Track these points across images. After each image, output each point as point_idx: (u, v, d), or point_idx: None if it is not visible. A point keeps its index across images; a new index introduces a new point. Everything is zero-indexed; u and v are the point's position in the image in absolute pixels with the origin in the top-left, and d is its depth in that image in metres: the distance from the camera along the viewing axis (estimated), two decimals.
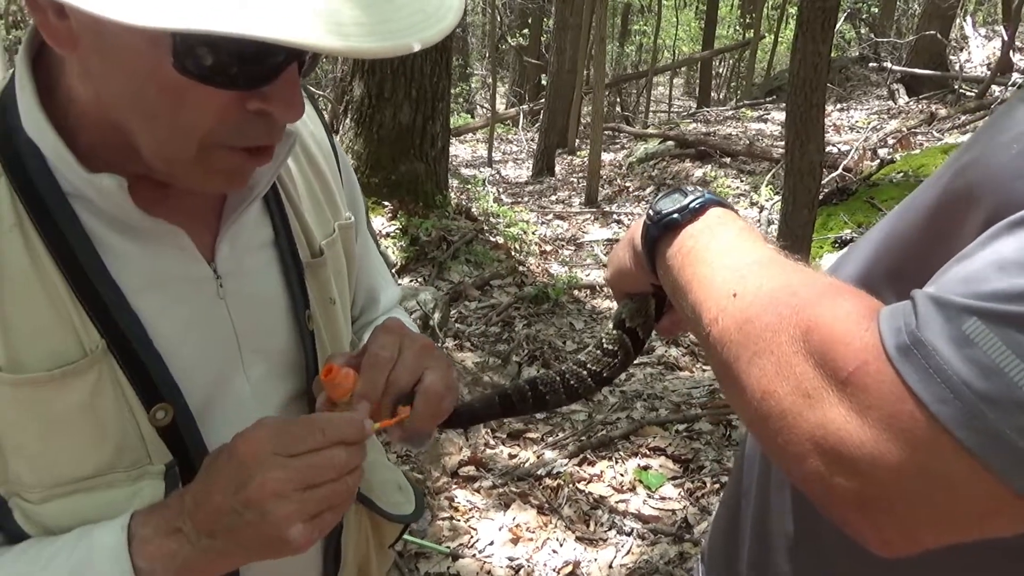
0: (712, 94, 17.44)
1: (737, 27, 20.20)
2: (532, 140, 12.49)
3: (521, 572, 2.87)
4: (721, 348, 0.68)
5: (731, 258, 0.75)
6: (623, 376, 4.38)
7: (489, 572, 2.85)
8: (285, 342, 0.96)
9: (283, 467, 0.75)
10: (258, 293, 0.93)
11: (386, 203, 5.80)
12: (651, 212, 0.85)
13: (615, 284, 1.01)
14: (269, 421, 0.79)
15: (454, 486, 3.32)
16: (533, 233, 6.91)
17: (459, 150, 12.32)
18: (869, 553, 0.59)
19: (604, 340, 1.00)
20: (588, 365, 0.99)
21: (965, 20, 13.43)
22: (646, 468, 3.48)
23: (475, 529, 3.06)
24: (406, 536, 2.92)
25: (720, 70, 20.03)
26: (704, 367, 4.50)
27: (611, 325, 1.00)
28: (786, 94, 4.01)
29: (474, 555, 2.92)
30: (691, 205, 0.83)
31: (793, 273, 0.69)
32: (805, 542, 0.88)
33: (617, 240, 7.02)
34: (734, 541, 1.02)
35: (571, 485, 3.35)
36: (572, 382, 0.99)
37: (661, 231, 0.84)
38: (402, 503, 1.17)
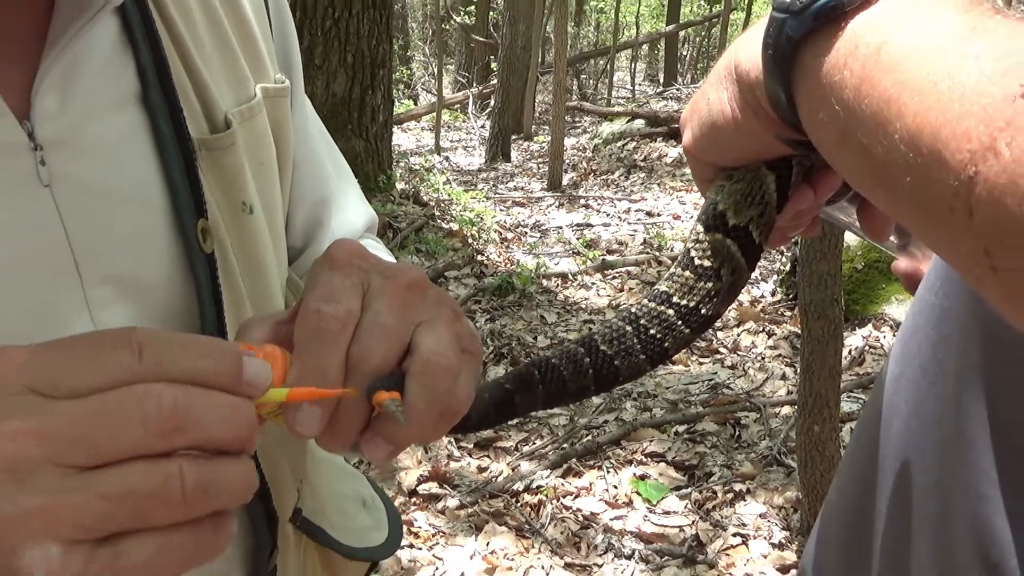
0: (677, 78, 17.51)
1: (702, 2, 20.38)
2: (483, 127, 12.39)
3: None
4: (1017, 201, 0.38)
5: (983, 43, 0.44)
6: None
7: None
8: (163, 270, 0.65)
9: (41, 414, 0.43)
10: (111, 183, 0.63)
11: None
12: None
13: (702, 152, 0.67)
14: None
15: (412, 507, 3.05)
16: (492, 219, 6.69)
17: (402, 139, 12.18)
18: None
19: (694, 253, 0.67)
20: (674, 299, 0.67)
21: None
22: (643, 478, 3.25)
23: (440, 559, 2.78)
24: None
25: (684, 51, 20.17)
26: (702, 358, 4.27)
27: (700, 228, 0.68)
28: None
29: None
30: None
31: None
32: None
33: (588, 225, 7.01)
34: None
35: (555, 501, 3.11)
36: (653, 331, 0.67)
37: (811, 24, 0.52)
38: (368, 529, 0.89)
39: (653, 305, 0.67)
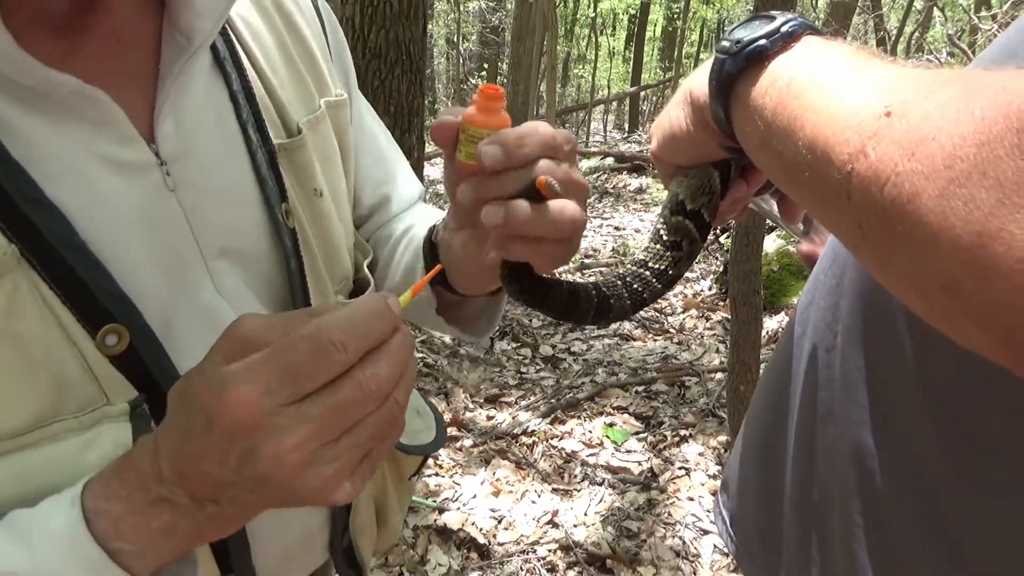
0: (639, 127, 17.37)
1: (658, 70, 20.25)
2: None
3: (503, 522, 2.55)
4: (880, 187, 0.38)
5: (862, 77, 0.44)
6: (584, 346, 4.08)
7: (473, 523, 2.52)
8: (260, 244, 0.64)
9: (299, 424, 0.42)
10: (219, 183, 0.61)
11: None
12: (725, 43, 0.53)
13: (665, 155, 0.67)
14: (244, 344, 0.43)
15: None
16: None
17: (431, 171, 11.96)
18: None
19: (661, 231, 0.68)
20: (649, 263, 0.68)
21: None
22: (611, 425, 3.22)
23: (459, 484, 2.75)
24: None
25: (644, 107, 20.04)
26: (656, 336, 4.23)
27: (666, 213, 0.68)
28: None
29: (459, 508, 2.61)
30: (783, 29, 0.51)
31: (972, 74, 0.39)
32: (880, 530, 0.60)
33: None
34: (771, 507, 0.75)
35: (545, 442, 3.07)
36: (636, 285, 0.67)
37: (743, 64, 0.52)
38: (420, 431, 0.86)
39: (635, 268, 0.68)
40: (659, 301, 4.80)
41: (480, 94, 0.54)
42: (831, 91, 0.45)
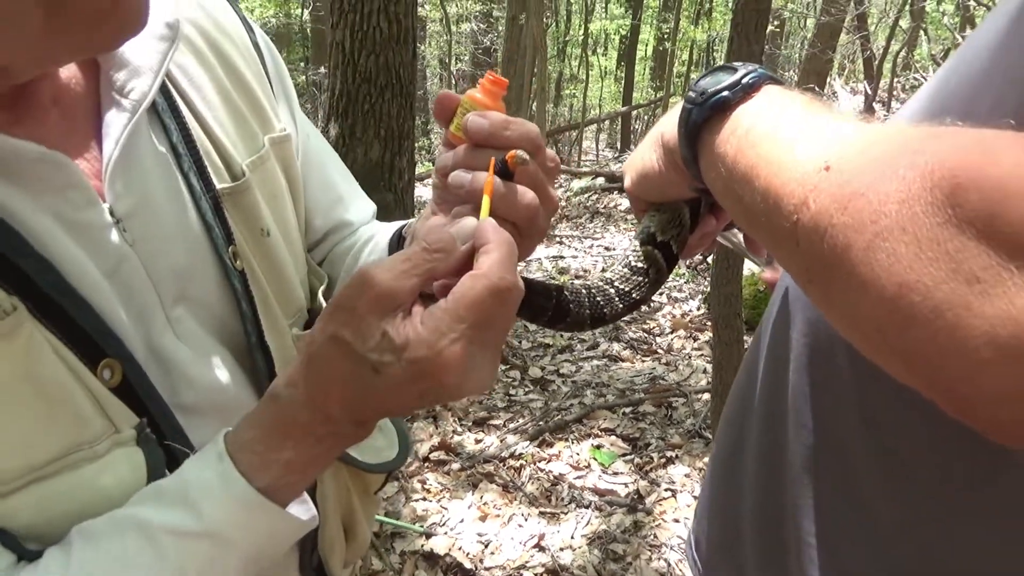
0: (631, 146, 17.46)
1: (649, 89, 20.40)
2: None
3: (490, 546, 2.55)
4: (819, 237, 0.41)
5: (810, 130, 0.48)
6: (572, 367, 4.10)
7: (460, 548, 2.52)
8: (211, 289, 0.66)
9: (456, 340, 0.48)
10: (169, 233, 0.63)
11: None
12: (691, 94, 0.57)
13: (638, 192, 0.71)
14: (387, 298, 0.50)
15: (426, 470, 3.01)
16: None
17: (422, 191, 12.01)
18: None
19: (632, 258, 0.71)
20: (615, 283, 0.70)
21: (835, 78, 13.60)
22: (599, 447, 3.23)
23: (446, 508, 2.76)
24: (382, 518, 2.58)
25: (636, 125, 20.17)
26: (644, 357, 4.25)
27: (638, 242, 0.71)
28: None
29: (446, 532, 2.61)
30: (744, 81, 0.54)
31: (903, 131, 0.42)
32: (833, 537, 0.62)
33: (560, 257, 7.01)
34: (732, 529, 0.76)
35: (532, 465, 3.08)
36: (598, 298, 0.69)
37: (708, 113, 0.55)
38: (383, 448, 0.86)
39: (601, 284, 0.70)
40: (647, 322, 4.82)
41: (486, 78, 0.59)
42: (781, 143, 0.48)
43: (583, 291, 0.69)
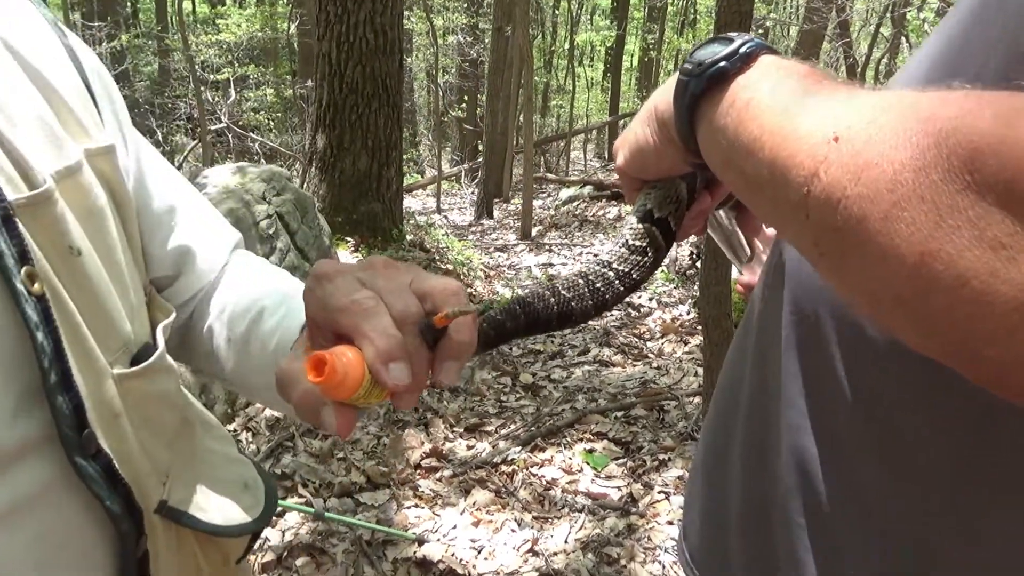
0: None
1: (636, 98, 20.52)
2: (473, 193, 12.26)
3: (483, 552, 2.53)
4: (832, 209, 0.40)
5: (814, 100, 0.46)
6: (564, 373, 4.09)
7: (453, 554, 2.50)
8: None
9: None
10: None
11: (349, 239, 5.55)
12: (687, 66, 0.55)
13: (631, 170, 0.69)
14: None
15: (418, 477, 2.98)
16: (478, 261, 6.64)
17: (411, 202, 12.05)
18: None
19: (629, 237, 0.69)
20: (614, 265, 0.67)
21: None
22: (591, 451, 3.22)
23: (438, 515, 2.73)
24: (373, 525, 2.56)
25: None
26: (635, 362, 4.25)
27: (634, 220, 0.69)
28: None
29: (438, 539, 2.59)
30: (742, 51, 0.53)
31: (910, 98, 0.41)
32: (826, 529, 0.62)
33: (550, 264, 7.01)
34: (720, 527, 0.76)
35: (525, 470, 3.06)
36: (598, 284, 0.67)
37: (705, 84, 0.54)
38: (250, 507, 0.75)
39: (598, 268, 0.68)
40: (637, 327, 4.83)
41: (310, 373, 0.47)
42: (786, 113, 0.46)
43: (580, 281, 0.67)
